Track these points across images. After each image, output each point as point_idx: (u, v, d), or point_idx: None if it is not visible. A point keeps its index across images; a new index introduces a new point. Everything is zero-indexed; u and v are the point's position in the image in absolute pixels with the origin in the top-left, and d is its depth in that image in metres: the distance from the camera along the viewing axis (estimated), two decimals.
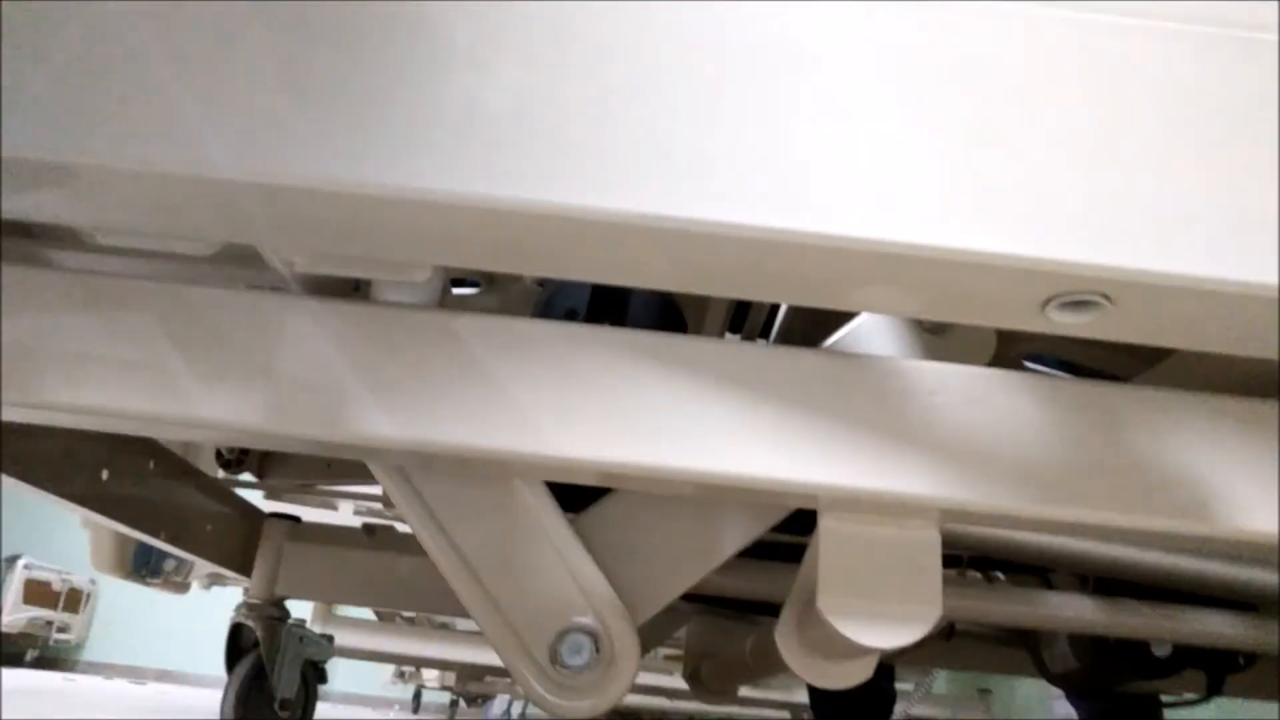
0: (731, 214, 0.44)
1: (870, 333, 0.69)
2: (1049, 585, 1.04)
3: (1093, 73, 0.46)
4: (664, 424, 0.56)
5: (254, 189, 0.45)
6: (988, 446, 0.57)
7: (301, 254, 0.55)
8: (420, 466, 0.65)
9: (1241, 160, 0.46)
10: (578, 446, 0.55)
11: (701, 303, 0.97)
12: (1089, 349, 0.91)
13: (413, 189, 0.44)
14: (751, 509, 0.69)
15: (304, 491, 2.00)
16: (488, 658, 2.36)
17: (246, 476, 1.66)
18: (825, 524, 0.60)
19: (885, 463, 0.56)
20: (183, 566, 1.77)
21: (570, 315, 0.79)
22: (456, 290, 0.92)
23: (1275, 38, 0.48)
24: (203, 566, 1.72)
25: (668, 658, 2.63)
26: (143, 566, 1.68)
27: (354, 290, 0.62)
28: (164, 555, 1.68)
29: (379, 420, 0.54)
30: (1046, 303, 0.47)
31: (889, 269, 0.46)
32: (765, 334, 1.07)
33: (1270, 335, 0.49)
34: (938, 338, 0.70)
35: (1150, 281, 0.44)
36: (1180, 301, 0.46)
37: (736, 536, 0.69)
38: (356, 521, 2.04)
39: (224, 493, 1.46)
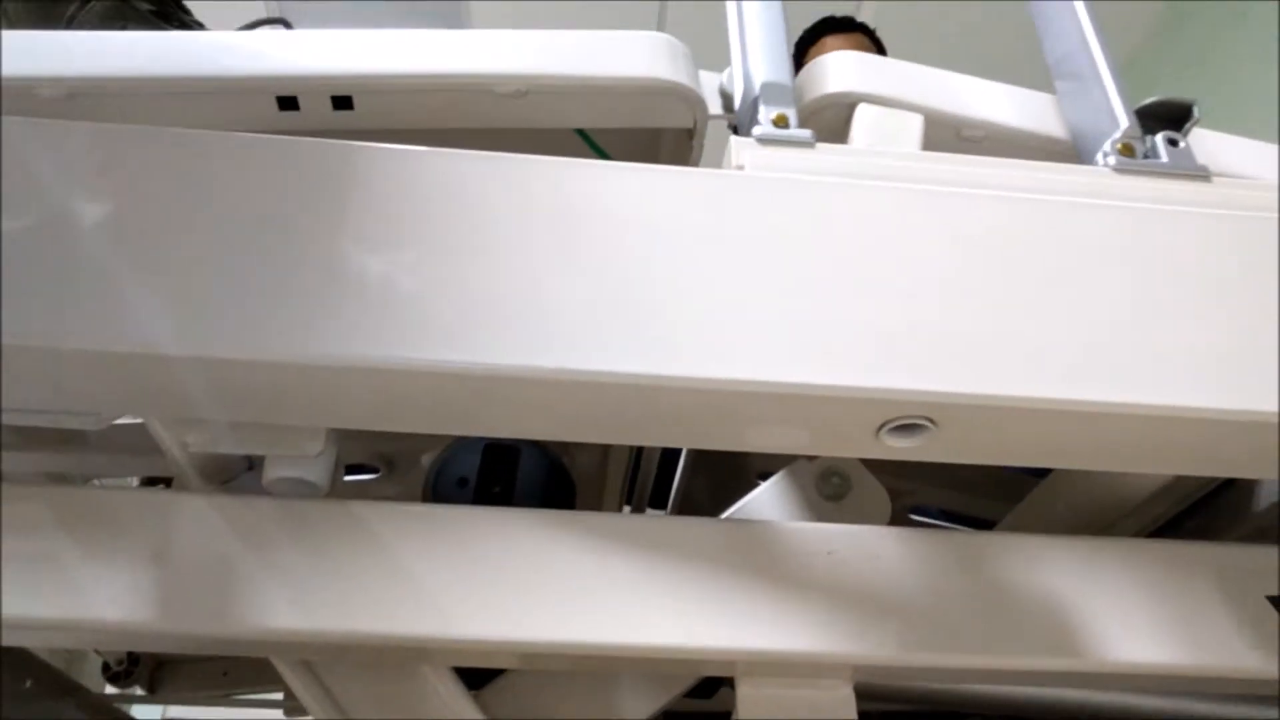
0: (609, 364, 0.48)
1: (767, 504, 0.70)
2: None
3: (907, 231, 0.54)
4: (576, 600, 0.56)
5: (160, 362, 0.46)
6: (890, 600, 0.58)
7: (194, 433, 0.55)
8: (328, 660, 0.63)
9: (1040, 295, 0.52)
10: (488, 628, 0.55)
11: (599, 476, 0.98)
12: (963, 496, 0.96)
13: (318, 355, 0.47)
14: (655, 679, 0.68)
15: (202, 704, 1.88)
16: None
17: (137, 690, 1.55)
18: (743, 690, 0.60)
19: (795, 623, 0.57)
20: None
21: (462, 483, 0.79)
22: (354, 477, 0.91)
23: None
24: None
25: None
26: None
27: (248, 469, 0.62)
28: None
29: (282, 612, 0.53)
30: (880, 429, 0.51)
31: (754, 406, 0.50)
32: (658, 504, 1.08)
33: (1084, 447, 0.54)
34: (836, 505, 0.71)
35: (964, 403, 0.49)
36: (993, 421, 0.51)
37: (640, 707, 0.68)
38: None
39: (111, 711, 1.36)
